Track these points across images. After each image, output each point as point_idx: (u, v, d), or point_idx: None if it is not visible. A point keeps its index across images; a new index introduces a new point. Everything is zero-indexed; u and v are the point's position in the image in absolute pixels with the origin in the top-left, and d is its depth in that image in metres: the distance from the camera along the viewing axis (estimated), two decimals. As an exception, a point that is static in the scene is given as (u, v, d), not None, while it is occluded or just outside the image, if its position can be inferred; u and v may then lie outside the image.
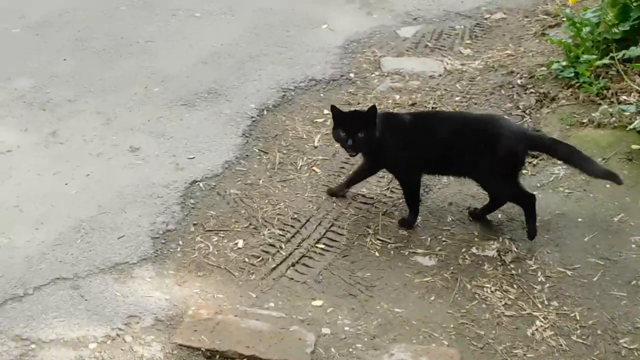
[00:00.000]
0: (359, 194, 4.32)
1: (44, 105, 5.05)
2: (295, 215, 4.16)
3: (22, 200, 4.17)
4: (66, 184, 4.31)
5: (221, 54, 5.80)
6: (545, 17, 6.42)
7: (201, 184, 4.36)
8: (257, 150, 4.67)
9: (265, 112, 5.05)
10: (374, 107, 3.93)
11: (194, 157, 4.57)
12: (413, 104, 5.14)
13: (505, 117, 4.82)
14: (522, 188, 3.99)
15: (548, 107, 5.07)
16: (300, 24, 6.31)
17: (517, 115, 4.99)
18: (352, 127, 3.90)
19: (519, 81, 5.41)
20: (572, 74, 5.22)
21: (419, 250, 3.93)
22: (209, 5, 6.55)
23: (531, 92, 5.25)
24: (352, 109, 4.53)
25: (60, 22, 6.22)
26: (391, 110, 4.94)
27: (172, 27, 6.20)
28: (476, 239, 4.01)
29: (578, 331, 3.48)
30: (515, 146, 3.88)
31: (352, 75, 5.57)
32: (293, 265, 3.83)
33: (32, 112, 4.98)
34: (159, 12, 6.43)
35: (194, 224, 4.07)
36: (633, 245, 3.93)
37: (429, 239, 4.01)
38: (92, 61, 5.66)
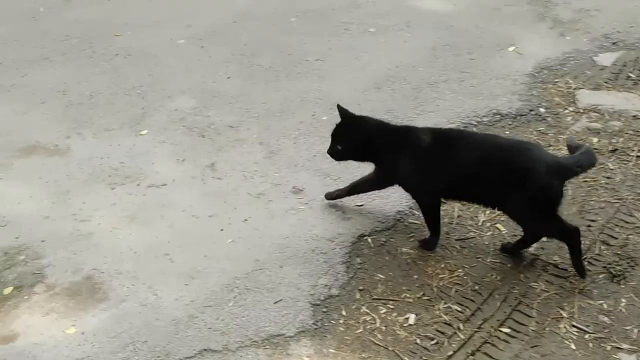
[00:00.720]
0: (550, 263, 3.70)
1: (204, 131, 4.69)
2: (476, 287, 3.58)
3: (174, 247, 3.79)
4: (222, 230, 3.90)
5: (396, 78, 5.28)
6: None
7: (369, 239, 3.85)
8: (433, 199, 4.13)
9: (443, 152, 4.50)
10: (359, 120, 3.77)
11: (362, 205, 4.08)
12: (614, 150, 4.46)
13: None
14: (563, 222, 3.58)
15: None
16: (485, 45, 5.71)
17: None
18: (338, 134, 3.76)
19: None
20: None
21: (624, 345, 3.28)
22: (384, 20, 6.05)
23: None
24: (363, 114, 3.89)
25: (227, 33, 5.87)
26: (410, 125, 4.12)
27: (343, 44, 5.73)
28: (695, 334, 3.34)
29: None
30: (550, 181, 3.45)
31: (542, 110, 4.92)
32: (473, 354, 3.24)
33: (191, 139, 4.63)
34: (330, 26, 5.97)
35: (360, 290, 3.56)
36: None
37: (635, 330, 3.35)
38: (257, 80, 5.27)
